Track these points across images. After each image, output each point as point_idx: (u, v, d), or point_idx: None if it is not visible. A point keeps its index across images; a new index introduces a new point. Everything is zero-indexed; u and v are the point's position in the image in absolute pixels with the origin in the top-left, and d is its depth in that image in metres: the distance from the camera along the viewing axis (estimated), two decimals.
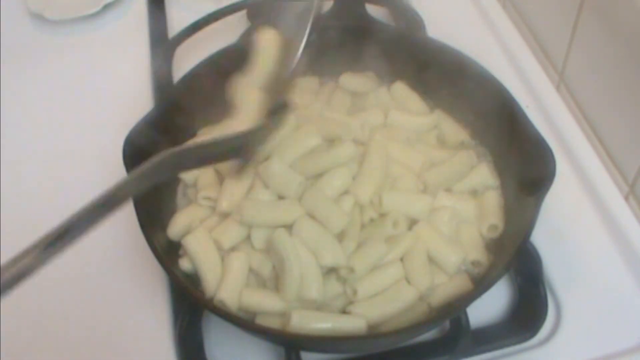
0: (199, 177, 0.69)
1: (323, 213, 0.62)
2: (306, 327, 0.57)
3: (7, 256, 0.70)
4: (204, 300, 0.60)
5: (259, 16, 0.89)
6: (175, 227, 0.66)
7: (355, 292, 0.60)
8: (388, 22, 0.92)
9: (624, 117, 0.73)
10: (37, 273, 0.64)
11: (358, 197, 0.64)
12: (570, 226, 0.71)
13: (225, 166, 0.68)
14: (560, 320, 0.64)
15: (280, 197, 0.65)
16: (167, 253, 0.62)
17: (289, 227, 0.62)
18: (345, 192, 0.65)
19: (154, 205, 0.65)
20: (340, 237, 0.63)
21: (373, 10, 0.91)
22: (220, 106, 0.75)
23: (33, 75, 0.90)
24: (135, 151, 0.63)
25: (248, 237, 0.63)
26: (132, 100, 0.83)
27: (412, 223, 0.65)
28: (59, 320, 0.66)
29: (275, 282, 0.61)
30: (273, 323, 0.60)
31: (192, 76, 0.72)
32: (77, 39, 0.94)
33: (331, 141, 0.68)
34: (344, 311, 0.61)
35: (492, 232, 0.66)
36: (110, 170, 0.72)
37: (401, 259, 0.63)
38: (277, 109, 0.58)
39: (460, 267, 0.64)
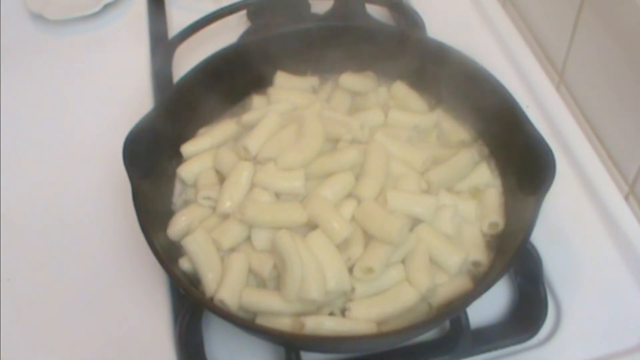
0: (199, 177, 0.69)
1: (326, 221, 0.62)
2: (321, 331, 0.57)
3: (7, 256, 0.71)
4: (204, 300, 0.60)
5: (259, 16, 0.89)
6: (175, 227, 0.66)
7: (353, 290, 0.60)
8: (388, 22, 0.92)
9: (624, 117, 0.73)
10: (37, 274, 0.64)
11: (362, 197, 0.64)
12: (570, 226, 0.71)
13: (225, 166, 0.68)
14: (560, 320, 0.64)
15: (280, 198, 0.65)
16: (167, 253, 0.62)
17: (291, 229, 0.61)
18: (348, 195, 0.65)
19: (154, 206, 0.65)
20: (345, 243, 0.62)
21: (373, 10, 0.90)
22: (220, 106, 0.76)
23: (33, 75, 0.90)
24: (135, 151, 0.63)
25: (248, 238, 0.63)
26: (132, 100, 0.83)
27: (415, 223, 0.65)
28: (59, 320, 0.66)
29: (275, 282, 0.61)
30: (273, 323, 0.60)
31: (192, 76, 0.72)
32: (77, 39, 0.94)
33: (335, 141, 0.68)
34: (343, 310, 0.61)
35: (493, 229, 0.66)
36: (110, 170, 0.72)
37: (402, 261, 0.63)
38: None
39: (461, 268, 0.64)
